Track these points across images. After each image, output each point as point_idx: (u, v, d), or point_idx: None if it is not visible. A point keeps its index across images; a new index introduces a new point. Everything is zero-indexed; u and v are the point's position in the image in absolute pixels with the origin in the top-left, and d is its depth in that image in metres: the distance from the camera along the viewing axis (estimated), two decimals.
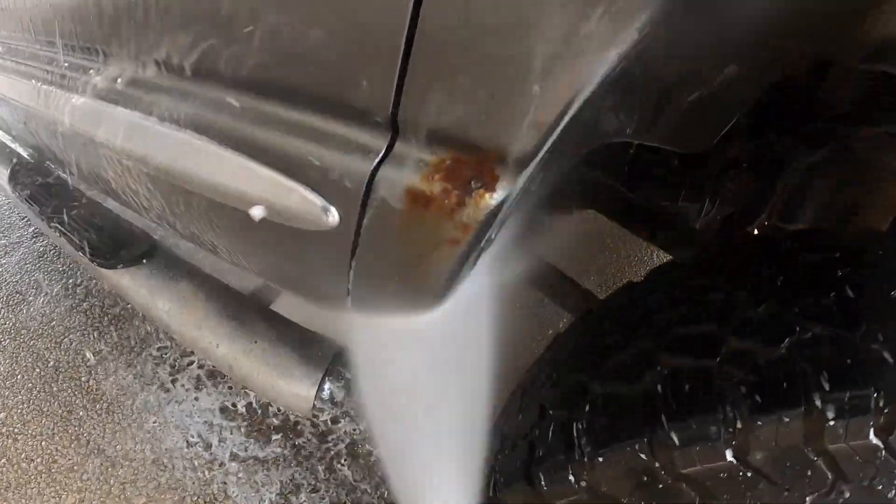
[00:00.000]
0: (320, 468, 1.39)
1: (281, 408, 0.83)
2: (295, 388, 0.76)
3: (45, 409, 1.55)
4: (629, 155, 0.92)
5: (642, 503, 0.55)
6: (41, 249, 2.19)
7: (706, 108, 0.66)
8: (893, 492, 0.47)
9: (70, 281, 2.00)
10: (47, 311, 1.88)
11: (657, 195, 0.93)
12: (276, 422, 1.47)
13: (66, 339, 1.76)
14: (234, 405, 1.52)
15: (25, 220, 2.37)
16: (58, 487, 1.37)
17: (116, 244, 1.04)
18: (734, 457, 0.50)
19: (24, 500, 1.34)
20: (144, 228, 1.09)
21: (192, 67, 0.55)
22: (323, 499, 1.33)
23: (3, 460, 1.43)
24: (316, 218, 0.46)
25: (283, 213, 0.49)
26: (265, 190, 0.50)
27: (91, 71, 0.74)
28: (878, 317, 0.50)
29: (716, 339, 0.54)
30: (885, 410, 0.46)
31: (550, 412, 0.63)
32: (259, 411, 1.50)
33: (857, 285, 0.52)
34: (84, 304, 1.90)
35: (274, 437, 1.45)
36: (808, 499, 0.49)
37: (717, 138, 0.60)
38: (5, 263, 2.12)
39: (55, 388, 1.60)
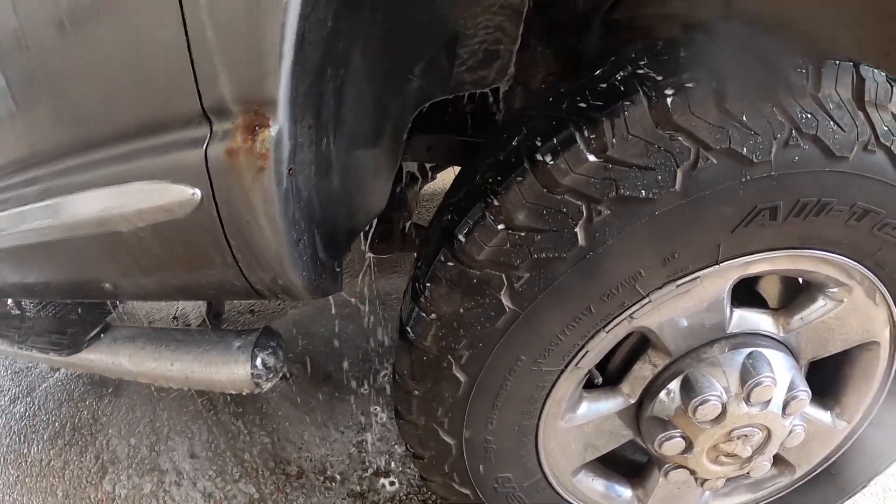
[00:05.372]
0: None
1: (234, 392, 1.07)
2: (236, 371, 1.03)
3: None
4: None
5: (472, 303, 0.75)
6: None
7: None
8: (650, 192, 0.68)
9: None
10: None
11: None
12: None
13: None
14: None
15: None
16: None
17: (75, 334, 1.35)
18: (505, 228, 0.71)
19: None
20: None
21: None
22: None
23: None
24: (188, 199, 0.72)
25: (166, 208, 0.75)
26: (148, 199, 0.77)
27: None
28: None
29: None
30: (591, 136, 0.67)
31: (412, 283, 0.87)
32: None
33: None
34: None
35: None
36: (577, 231, 0.69)
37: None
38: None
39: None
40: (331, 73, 0.73)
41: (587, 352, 0.79)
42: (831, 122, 0.73)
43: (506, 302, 0.73)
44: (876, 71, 0.79)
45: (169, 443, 1.90)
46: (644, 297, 0.75)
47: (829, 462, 1.08)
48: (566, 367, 0.80)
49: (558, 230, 0.69)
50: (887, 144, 0.76)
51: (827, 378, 1.02)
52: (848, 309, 0.89)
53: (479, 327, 0.76)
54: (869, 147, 0.75)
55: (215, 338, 1.09)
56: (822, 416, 1.02)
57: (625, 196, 0.67)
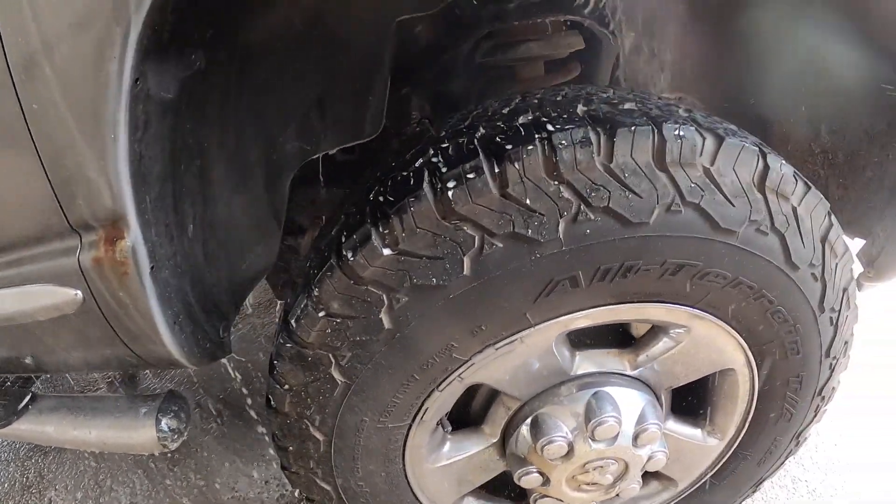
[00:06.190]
0: None
1: (146, 454, 1.19)
2: (144, 435, 1.15)
3: None
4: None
5: (311, 377, 0.83)
6: None
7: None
8: (440, 279, 0.74)
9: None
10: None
11: None
12: None
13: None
14: None
15: None
16: None
17: (6, 405, 1.48)
18: (325, 315, 0.78)
19: None
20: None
21: None
22: None
23: None
24: (73, 299, 0.83)
25: (56, 307, 0.85)
26: (41, 299, 0.88)
27: None
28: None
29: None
30: (384, 231, 0.74)
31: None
32: None
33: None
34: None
35: None
36: (382, 317, 0.76)
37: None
38: None
39: None
40: (185, 168, 0.82)
41: (427, 408, 0.87)
42: (626, 191, 0.77)
43: (336, 376, 0.81)
44: (683, 127, 0.81)
45: (112, 494, 2.03)
46: (467, 361, 0.82)
47: (712, 472, 1.15)
48: (412, 421, 0.88)
49: (366, 316, 0.76)
50: (695, 202, 0.79)
51: (697, 399, 1.08)
52: (692, 345, 0.94)
53: (321, 396, 0.84)
54: (673, 207, 0.78)
55: (126, 404, 1.22)
56: (694, 433, 1.08)
57: (418, 284, 0.73)
